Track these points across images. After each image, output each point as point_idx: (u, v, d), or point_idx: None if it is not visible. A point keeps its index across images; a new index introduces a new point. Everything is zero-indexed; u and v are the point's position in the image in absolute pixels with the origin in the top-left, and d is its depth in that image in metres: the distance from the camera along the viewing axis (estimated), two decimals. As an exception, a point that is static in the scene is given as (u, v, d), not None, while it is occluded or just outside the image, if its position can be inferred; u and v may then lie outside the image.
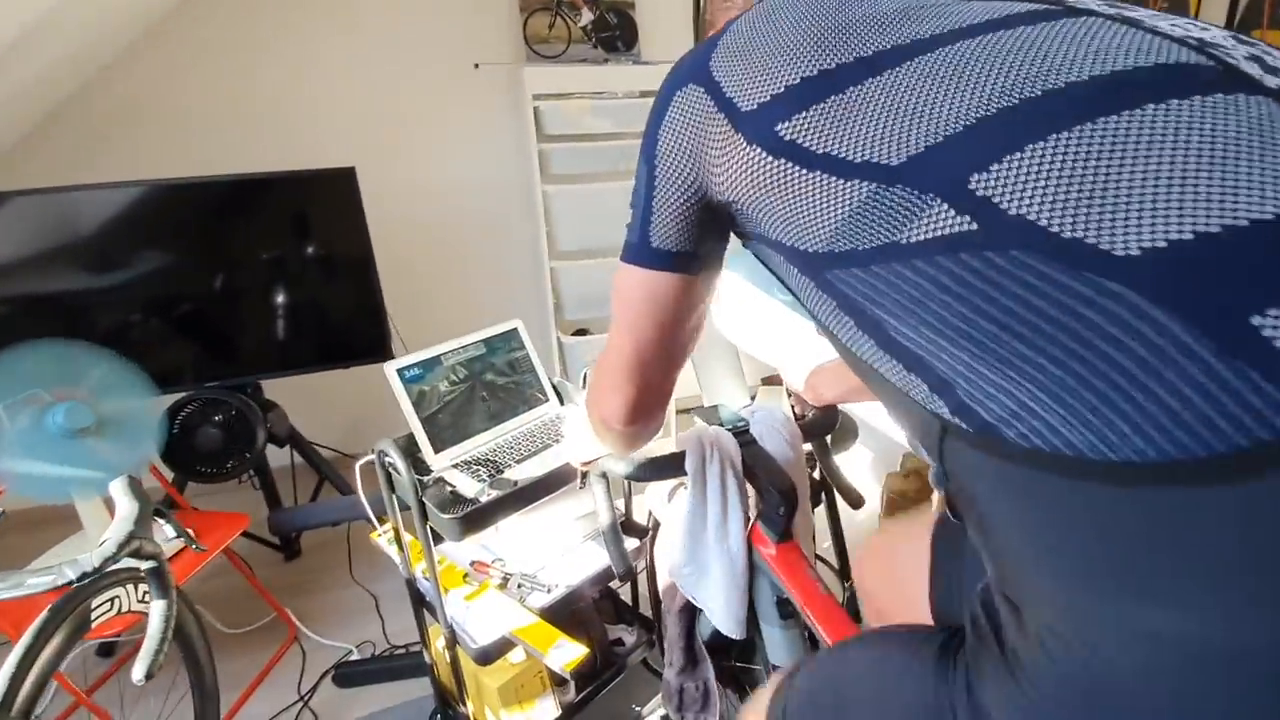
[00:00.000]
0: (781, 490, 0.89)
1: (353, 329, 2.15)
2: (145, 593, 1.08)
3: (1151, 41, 0.42)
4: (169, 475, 1.84)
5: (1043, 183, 0.39)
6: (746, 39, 0.54)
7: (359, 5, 2.35)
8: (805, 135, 0.48)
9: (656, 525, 1.30)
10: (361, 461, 1.22)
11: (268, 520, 2.00)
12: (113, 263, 1.84)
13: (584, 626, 1.36)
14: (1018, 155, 0.40)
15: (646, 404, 0.70)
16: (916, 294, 0.44)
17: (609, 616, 1.52)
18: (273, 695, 1.64)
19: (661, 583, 1.19)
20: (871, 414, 1.56)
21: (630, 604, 1.56)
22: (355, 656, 1.76)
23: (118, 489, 0.98)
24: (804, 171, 0.49)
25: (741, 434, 0.98)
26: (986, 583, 0.50)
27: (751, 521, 0.96)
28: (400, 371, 1.23)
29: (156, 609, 0.94)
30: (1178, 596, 0.36)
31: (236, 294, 1.99)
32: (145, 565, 0.96)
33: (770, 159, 0.50)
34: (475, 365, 1.33)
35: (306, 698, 1.64)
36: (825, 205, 0.48)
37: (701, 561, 0.98)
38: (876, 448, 2.14)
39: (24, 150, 2.13)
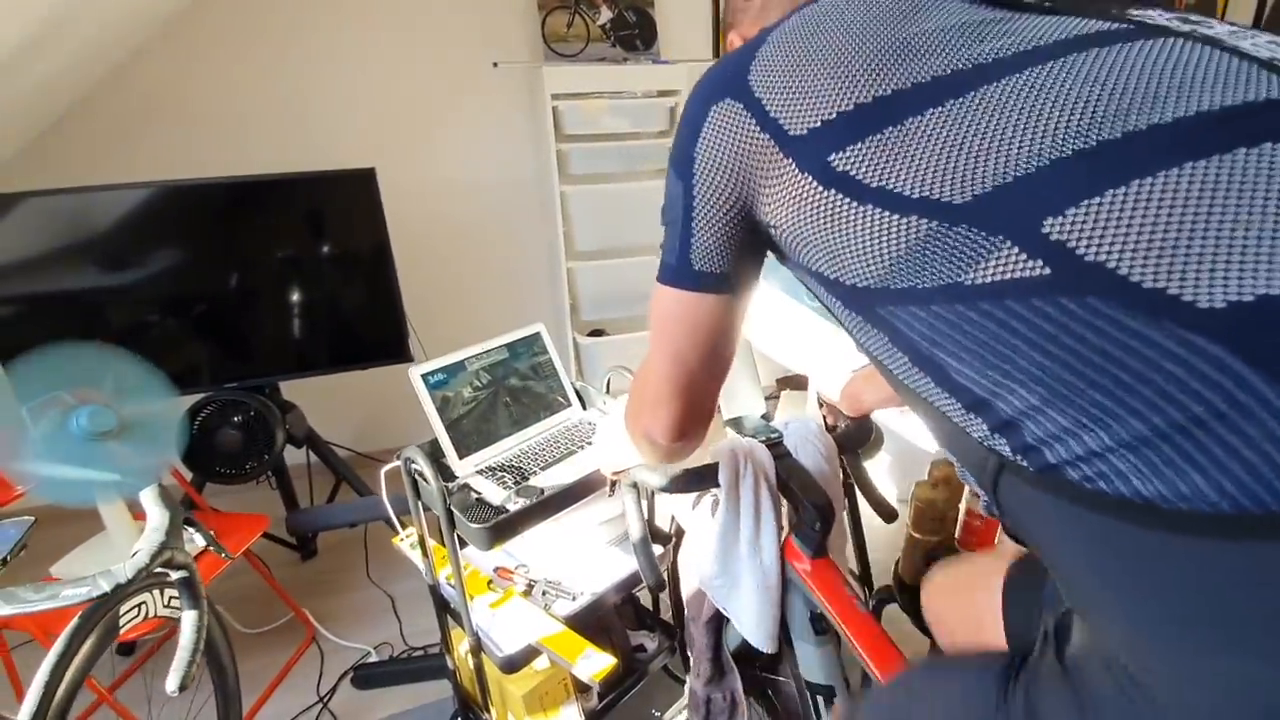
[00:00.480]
0: (818, 505, 0.88)
1: (371, 330, 2.14)
2: (171, 597, 1.08)
3: (1239, 71, 0.40)
4: (188, 475, 1.84)
5: (1123, 230, 0.38)
6: (790, 53, 0.52)
7: (377, 4, 2.34)
8: (859, 167, 0.47)
9: (680, 532, 1.29)
10: (387, 468, 1.22)
11: (286, 521, 2.01)
12: (130, 264, 1.84)
13: (606, 632, 1.36)
14: (1096, 200, 0.39)
15: (693, 419, 0.69)
16: (983, 336, 0.43)
17: (630, 622, 1.52)
18: (292, 696, 1.65)
19: (686, 591, 1.18)
20: (896, 420, 1.55)
21: (651, 609, 1.56)
22: (374, 658, 1.76)
23: (149, 498, 0.97)
24: (854, 205, 0.47)
25: (775, 446, 0.97)
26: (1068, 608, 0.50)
27: (785, 535, 0.95)
28: (425, 377, 1.22)
29: (189, 619, 0.93)
30: (1252, 646, 0.35)
31: (255, 295, 1.99)
32: (176, 575, 0.95)
33: (820, 189, 0.49)
34: (498, 370, 1.32)
35: (326, 699, 1.64)
36: (877, 241, 0.47)
37: (734, 574, 0.97)
38: (898, 452, 2.12)
39: (40, 150, 2.13)
